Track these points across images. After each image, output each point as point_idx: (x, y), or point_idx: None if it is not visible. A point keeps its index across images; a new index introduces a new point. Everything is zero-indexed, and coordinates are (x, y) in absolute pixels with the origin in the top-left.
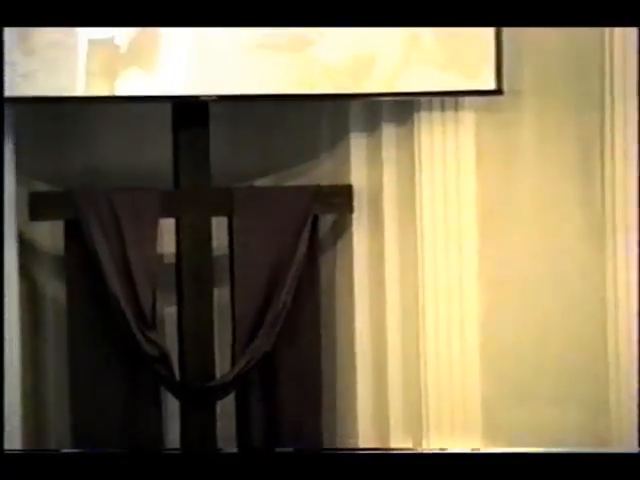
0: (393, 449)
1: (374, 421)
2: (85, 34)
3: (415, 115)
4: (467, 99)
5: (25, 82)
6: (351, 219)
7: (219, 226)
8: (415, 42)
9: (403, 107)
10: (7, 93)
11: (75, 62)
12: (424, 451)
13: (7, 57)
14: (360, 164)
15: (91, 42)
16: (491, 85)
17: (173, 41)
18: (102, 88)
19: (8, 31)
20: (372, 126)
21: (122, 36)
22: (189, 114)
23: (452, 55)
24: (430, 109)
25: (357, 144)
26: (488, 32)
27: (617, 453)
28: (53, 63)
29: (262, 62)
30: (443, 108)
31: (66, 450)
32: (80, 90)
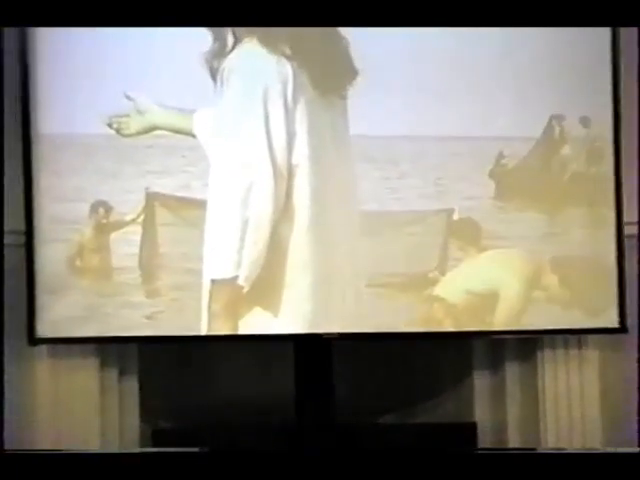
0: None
1: None
2: (208, 274)
3: (538, 353)
4: (590, 337)
5: (149, 323)
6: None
7: None
8: (537, 280)
9: (526, 345)
10: (131, 333)
11: (199, 302)
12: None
13: (131, 297)
14: (483, 402)
15: (214, 282)
16: (615, 323)
17: (295, 280)
18: (225, 327)
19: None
20: (495, 364)
21: (245, 276)
22: (312, 351)
23: (575, 293)
24: (553, 347)
25: (480, 382)
26: (611, 271)
27: (617, 453)
28: (177, 304)
29: (384, 300)
30: (567, 346)
31: (66, 450)
32: (203, 329)
